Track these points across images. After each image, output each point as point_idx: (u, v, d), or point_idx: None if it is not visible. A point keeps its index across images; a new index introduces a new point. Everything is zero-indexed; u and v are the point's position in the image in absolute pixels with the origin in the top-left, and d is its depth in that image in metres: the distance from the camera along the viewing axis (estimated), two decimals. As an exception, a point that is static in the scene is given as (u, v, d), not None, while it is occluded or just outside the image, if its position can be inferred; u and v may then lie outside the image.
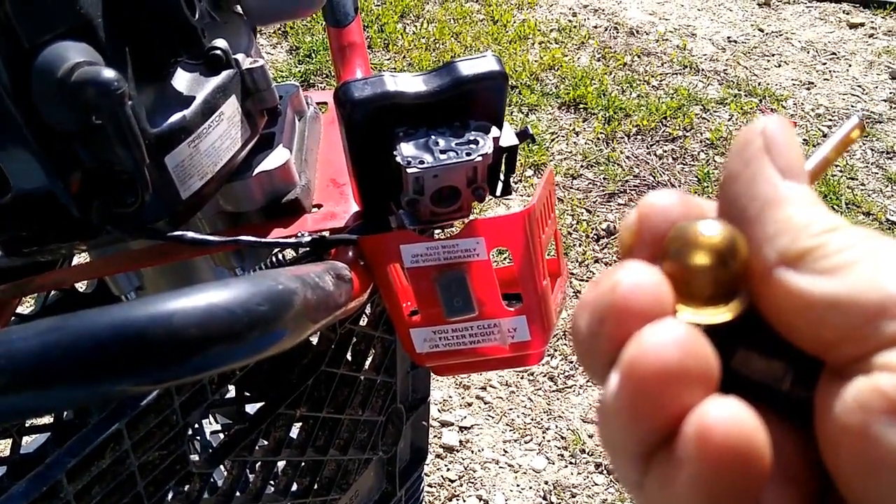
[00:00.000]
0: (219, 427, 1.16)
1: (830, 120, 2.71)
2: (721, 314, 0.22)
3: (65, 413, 0.89)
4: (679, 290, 0.22)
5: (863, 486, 0.20)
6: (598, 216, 2.28)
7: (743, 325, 0.22)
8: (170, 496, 0.59)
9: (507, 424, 1.75)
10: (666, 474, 0.20)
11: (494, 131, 0.54)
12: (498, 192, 0.59)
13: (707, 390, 0.20)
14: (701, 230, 0.22)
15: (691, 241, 0.22)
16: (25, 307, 1.29)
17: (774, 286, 0.21)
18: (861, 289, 0.20)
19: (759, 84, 2.89)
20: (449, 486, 1.64)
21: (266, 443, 0.68)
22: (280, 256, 0.71)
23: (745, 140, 0.24)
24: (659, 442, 0.21)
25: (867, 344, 0.20)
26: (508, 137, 0.56)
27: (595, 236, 2.21)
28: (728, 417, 0.19)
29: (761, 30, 3.27)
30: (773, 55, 3.09)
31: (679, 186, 2.39)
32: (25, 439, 0.92)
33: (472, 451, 1.70)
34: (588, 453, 1.68)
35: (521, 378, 1.85)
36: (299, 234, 0.58)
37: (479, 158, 0.52)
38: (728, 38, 3.21)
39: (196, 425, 1.07)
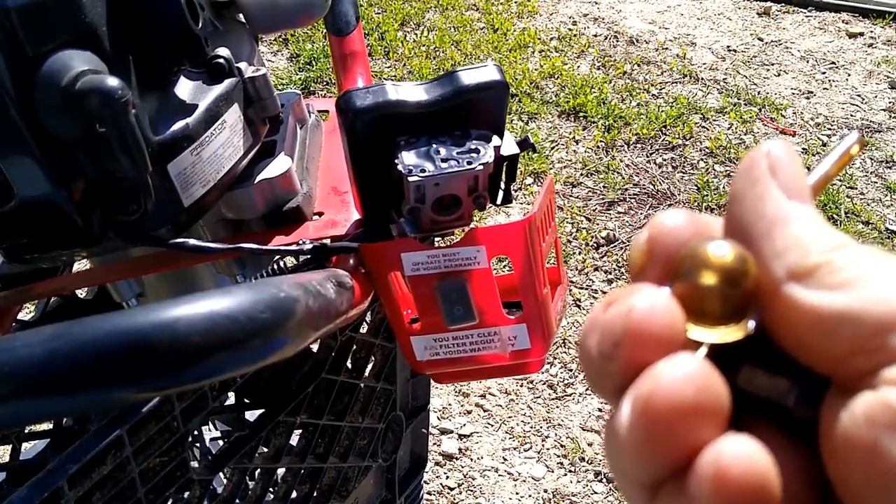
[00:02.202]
0: (219, 434, 1.16)
1: (830, 129, 2.71)
2: (731, 334, 0.22)
3: (64, 419, 0.89)
4: (689, 309, 0.22)
5: (871, 502, 0.20)
6: (597, 224, 2.28)
7: (749, 342, 0.23)
8: (170, 503, 0.59)
9: (506, 432, 1.75)
10: None
11: (495, 140, 0.55)
12: (499, 201, 0.59)
13: (719, 425, 0.21)
14: (712, 251, 0.22)
15: (702, 261, 0.22)
16: (26, 314, 1.29)
17: (784, 302, 0.22)
18: (871, 302, 0.20)
19: (758, 93, 2.90)
20: (448, 493, 1.63)
21: (266, 450, 0.68)
22: (281, 264, 0.71)
23: (750, 162, 0.24)
24: (669, 474, 0.21)
25: (877, 357, 0.20)
26: (509, 146, 0.57)
27: (595, 244, 2.21)
28: (743, 456, 0.20)
29: (761, 39, 3.28)
30: (772, 64, 3.10)
31: (678, 195, 2.40)
32: (25, 445, 0.92)
33: (472, 459, 1.70)
34: (587, 461, 1.68)
35: (521, 386, 1.85)
36: (301, 242, 0.58)
37: (480, 167, 0.53)
38: (728, 47, 3.22)
39: (196, 432, 1.07)
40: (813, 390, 0.22)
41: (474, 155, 0.53)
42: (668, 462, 0.21)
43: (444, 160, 0.53)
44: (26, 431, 0.89)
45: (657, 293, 0.22)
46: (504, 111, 0.56)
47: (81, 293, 0.87)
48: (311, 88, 2.85)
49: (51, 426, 0.90)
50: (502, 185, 0.60)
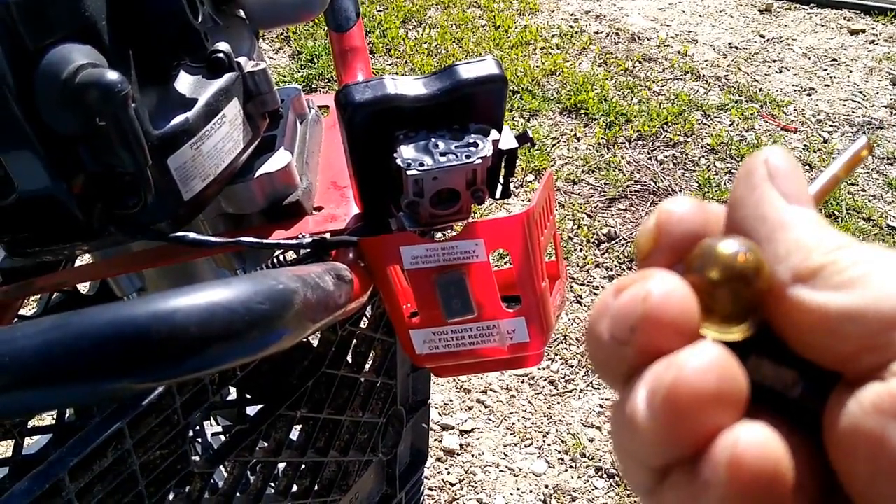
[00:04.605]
0: (220, 429, 1.17)
1: (831, 126, 2.71)
2: (740, 332, 0.22)
3: (66, 414, 0.90)
4: (700, 305, 0.22)
5: (878, 492, 0.20)
6: (598, 221, 2.28)
7: (756, 338, 0.23)
8: (171, 496, 0.59)
9: (507, 428, 1.75)
10: (688, 493, 0.21)
11: (494, 134, 0.55)
12: (497, 195, 0.60)
13: (738, 413, 0.21)
14: (727, 249, 0.22)
15: (716, 259, 0.22)
16: (28, 310, 1.29)
17: (790, 304, 0.22)
18: (876, 300, 0.20)
19: (759, 90, 2.89)
20: (449, 489, 1.64)
21: (266, 444, 0.68)
22: (281, 258, 0.71)
23: (748, 169, 0.24)
24: (682, 459, 0.21)
25: (885, 354, 0.20)
26: (508, 140, 0.57)
27: (596, 241, 2.22)
28: (758, 443, 0.20)
29: (762, 36, 3.28)
30: (773, 61, 3.10)
31: (680, 192, 2.39)
32: (27, 441, 0.92)
33: (473, 455, 1.70)
34: (588, 457, 1.68)
35: (522, 382, 1.85)
36: (300, 236, 0.58)
37: (479, 161, 0.53)
38: (729, 44, 3.22)
39: (197, 427, 1.07)
40: (819, 383, 0.22)
41: (473, 149, 0.53)
42: (683, 448, 0.21)
43: (442, 154, 0.53)
44: (29, 426, 0.90)
45: (672, 279, 0.22)
46: (503, 105, 0.56)
47: (83, 288, 0.88)
48: (313, 86, 2.85)
49: (53, 421, 0.90)
50: (501, 180, 0.60)
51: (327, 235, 0.60)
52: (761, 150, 0.24)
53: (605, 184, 2.42)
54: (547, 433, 1.74)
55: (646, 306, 0.22)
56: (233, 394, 0.80)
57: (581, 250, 2.19)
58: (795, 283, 0.22)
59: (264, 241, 0.57)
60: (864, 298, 0.20)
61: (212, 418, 1.16)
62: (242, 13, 0.66)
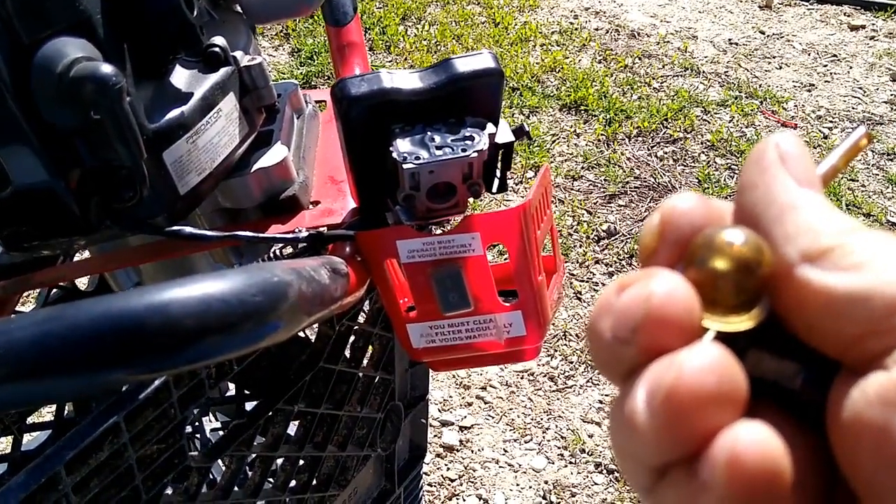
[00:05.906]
0: (219, 425, 1.17)
1: (831, 122, 2.71)
2: (743, 322, 0.22)
3: (65, 410, 0.90)
4: (702, 297, 0.22)
5: (883, 483, 0.20)
6: (598, 217, 2.28)
7: (758, 329, 0.22)
8: (168, 490, 0.59)
9: (507, 424, 1.76)
10: (687, 493, 0.21)
11: (490, 128, 0.55)
12: (494, 189, 0.60)
13: (737, 413, 0.21)
14: (728, 239, 0.22)
15: (718, 249, 0.22)
16: (27, 306, 1.29)
17: (796, 284, 0.22)
18: (883, 284, 0.20)
19: (759, 86, 2.89)
20: (449, 485, 1.64)
21: (264, 438, 0.68)
22: (278, 253, 0.71)
23: (759, 152, 0.24)
24: (681, 459, 0.21)
25: (888, 339, 0.20)
26: (504, 134, 0.57)
27: (595, 237, 2.21)
28: (757, 442, 0.20)
29: (762, 32, 3.28)
30: (773, 57, 3.10)
31: (679, 188, 2.39)
32: (26, 437, 0.92)
33: (472, 451, 1.70)
34: (588, 453, 1.68)
35: (521, 378, 1.85)
36: (297, 230, 0.58)
37: (475, 154, 0.53)
38: (729, 40, 3.22)
39: (196, 423, 1.07)
40: (820, 373, 0.22)
41: (469, 142, 0.53)
42: (682, 448, 0.21)
43: (438, 147, 0.53)
44: (28, 422, 0.90)
45: (674, 278, 0.22)
46: (499, 99, 0.56)
47: (82, 284, 0.88)
48: (313, 83, 2.85)
49: (52, 416, 0.90)
50: (498, 174, 0.60)
51: (324, 230, 0.60)
52: (772, 135, 0.24)
53: (605, 180, 2.42)
54: (546, 429, 1.74)
55: (648, 307, 0.22)
56: (231, 390, 0.80)
57: (581, 246, 2.19)
58: (803, 263, 0.22)
59: (261, 235, 0.57)
60: (872, 281, 0.20)
61: (210, 414, 1.16)
62: (239, 8, 0.66)
